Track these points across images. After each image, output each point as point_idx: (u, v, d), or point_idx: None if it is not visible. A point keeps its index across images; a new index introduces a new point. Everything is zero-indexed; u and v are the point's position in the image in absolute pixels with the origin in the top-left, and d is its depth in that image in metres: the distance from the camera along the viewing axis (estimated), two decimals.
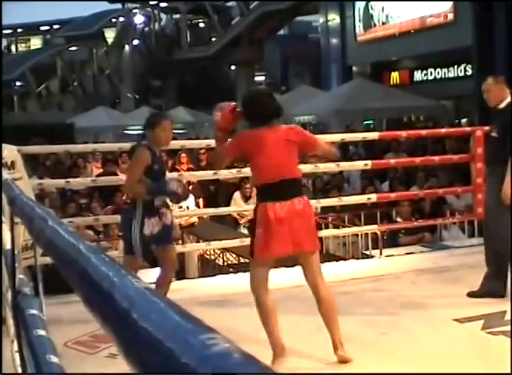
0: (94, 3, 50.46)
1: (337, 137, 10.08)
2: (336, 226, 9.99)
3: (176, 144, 9.47)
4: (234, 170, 8.88)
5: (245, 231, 12.07)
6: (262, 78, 45.69)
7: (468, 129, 10.34)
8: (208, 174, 8.93)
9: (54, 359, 2.25)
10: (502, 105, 6.77)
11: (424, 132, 11.08)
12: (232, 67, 43.70)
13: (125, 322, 1.05)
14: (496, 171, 6.73)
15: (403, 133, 10.10)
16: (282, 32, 44.07)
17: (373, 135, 9.91)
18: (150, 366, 0.96)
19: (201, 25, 49.06)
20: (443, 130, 10.97)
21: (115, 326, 1.13)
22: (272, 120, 5.31)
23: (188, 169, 12.32)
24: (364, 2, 34.06)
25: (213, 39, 43.41)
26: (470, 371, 4.92)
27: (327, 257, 9.39)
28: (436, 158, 10.05)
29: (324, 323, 5.25)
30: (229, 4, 43.57)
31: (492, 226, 6.81)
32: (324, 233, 9.57)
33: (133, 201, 5.87)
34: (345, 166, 9.75)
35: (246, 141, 5.27)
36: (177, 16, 47.92)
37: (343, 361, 5.15)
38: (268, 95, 5.48)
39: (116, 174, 11.81)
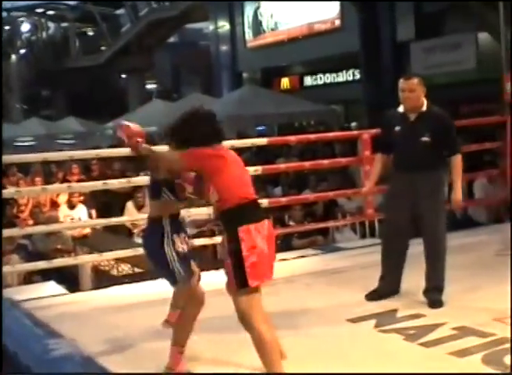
0: None
1: (227, 144, 10.10)
2: None
3: (65, 154, 9.35)
4: (124, 180, 8.84)
5: (139, 241, 12.00)
6: (154, 86, 45.41)
7: (356, 132, 10.51)
8: (99, 184, 8.81)
9: None
10: (424, 108, 6.59)
11: (312, 136, 11.20)
12: (123, 75, 43.27)
13: None
14: (429, 176, 6.53)
15: (292, 138, 10.18)
16: (172, 39, 43.88)
17: (262, 141, 9.97)
18: None
19: (90, 33, 48.44)
20: (331, 134, 11.11)
21: None
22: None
23: (79, 181, 12.18)
24: (253, 9, 34.30)
25: (102, 47, 42.91)
26: (365, 369, 5.03)
27: (222, 263, 9.42)
28: (326, 161, 10.17)
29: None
30: (118, 12, 43.13)
31: (434, 229, 6.70)
32: (218, 239, 9.58)
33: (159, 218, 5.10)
34: None
35: (209, 157, 4.82)
36: (65, 24, 47.17)
37: None
38: (213, 115, 5.16)
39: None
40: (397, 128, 6.60)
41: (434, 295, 6.56)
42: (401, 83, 6.56)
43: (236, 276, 4.76)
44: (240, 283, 4.77)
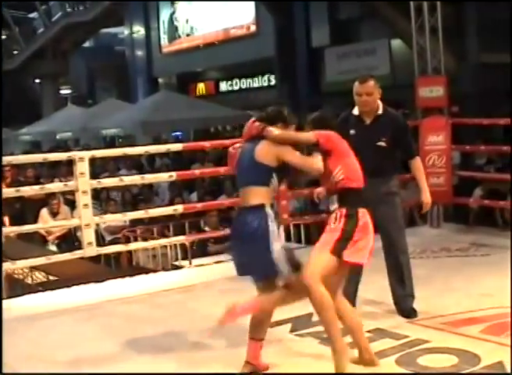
0: None
1: (141, 150, 10.05)
2: (144, 239, 9.95)
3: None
4: (37, 187, 8.71)
5: (53, 248, 11.84)
6: (68, 91, 44.82)
7: None
8: (11, 192, 8.62)
9: None
10: (381, 111, 6.39)
11: (227, 142, 11.16)
12: (37, 80, 42.59)
13: None
14: (385, 181, 6.38)
15: (207, 144, 10.15)
16: (87, 44, 43.40)
17: (177, 146, 9.91)
18: None
19: (2, 37, 47.58)
20: None
21: None
22: None
23: None
24: (168, 14, 34.22)
25: (15, 52, 42.16)
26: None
27: (137, 270, 9.37)
28: None
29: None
30: (32, 15, 42.46)
31: (396, 237, 6.55)
32: (133, 246, 9.53)
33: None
34: (150, 178, 9.72)
35: (341, 140, 5.26)
36: None
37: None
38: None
39: None
40: (352, 132, 6.29)
41: (409, 304, 6.47)
42: (357, 87, 6.35)
43: (337, 246, 4.98)
44: (336, 252, 4.97)
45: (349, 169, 5.17)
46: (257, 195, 5.01)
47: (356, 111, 6.44)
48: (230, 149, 5.40)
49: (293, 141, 5.10)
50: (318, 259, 4.99)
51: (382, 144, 6.29)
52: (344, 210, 5.09)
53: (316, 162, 5.05)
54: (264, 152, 5.02)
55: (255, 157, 5.04)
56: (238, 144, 5.35)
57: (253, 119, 5.32)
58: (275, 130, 5.10)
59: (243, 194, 5.10)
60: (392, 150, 6.36)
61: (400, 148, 6.43)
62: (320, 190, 6.15)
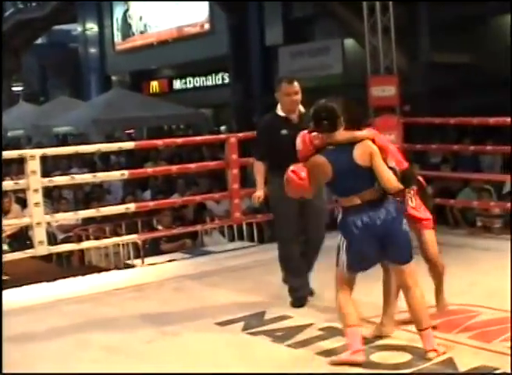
0: None
1: (94, 148, 10.00)
2: (96, 238, 9.88)
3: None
4: None
5: (5, 247, 11.69)
6: (20, 88, 44.34)
7: (223, 136, 10.53)
8: None
9: None
10: (302, 109, 6.59)
11: (179, 140, 11.19)
12: None
13: None
14: None
15: (159, 142, 10.12)
16: (40, 41, 42.96)
17: (129, 145, 9.85)
18: None
19: None
20: (199, 138, 11.11)
21: None
22: None
23: None
24: (122, 12, 34.05)
25: None
26: (233, 371, 5.05)
27: (89, 269, 9.30)
28: (193, 165, 10.16)
29: None
30: None
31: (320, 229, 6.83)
32: (85, 244, 9.46)
33: None
34: (102, 176, 9.67)
35: (378, 134, 5.44)
36: None
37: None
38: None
39: None
40: (284, 132, 6.45)
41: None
42: (287, 87, 6.51)
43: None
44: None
45: (393, 155, 5.43)
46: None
47: (280, 112, 6.60)
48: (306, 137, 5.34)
49: (355, 139, 5.21)
50: (431, 239, 5.79)
51: None
52: (413, 189, 5.62)
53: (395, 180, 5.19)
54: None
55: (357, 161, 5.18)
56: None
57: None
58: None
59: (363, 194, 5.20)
60: None
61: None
62: (259, 194, 6.29)
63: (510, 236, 9.04)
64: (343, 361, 5.09)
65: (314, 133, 5.26)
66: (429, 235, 5.79)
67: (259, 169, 6.75)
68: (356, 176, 5.16)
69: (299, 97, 6.53)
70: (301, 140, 5.33)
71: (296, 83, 6.52)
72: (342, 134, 5.18)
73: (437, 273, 5.85)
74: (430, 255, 5.80)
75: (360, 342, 5.16)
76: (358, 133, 5.20)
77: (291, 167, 5.32)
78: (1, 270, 7.66)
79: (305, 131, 5.36)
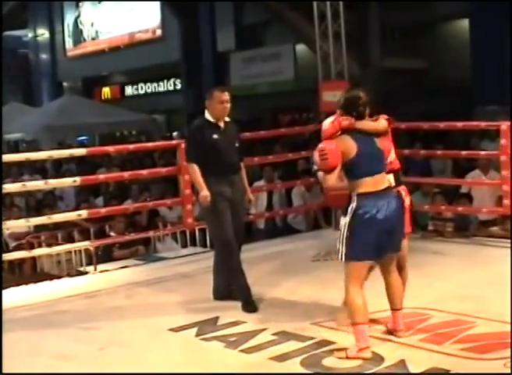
0: None
1: (45, 155, 9.90)
2: (49, 245, 9.80)
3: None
4: None
5: None
6: None
7: (175, 142, 10.49)
8: None
9: None
10: (227, 118, 7.07)
11: (131, 146, 11.13)
12: None
13: None
14: (240, 178, 7.10)
15: (111, 149, 10.06)
16: None
17: (81, 151, 9.79)
18: None
19: None
20: (150, 144, 11.06)
21: None
22: None
23: None
24: (73, 18, 33.87)
25: None
26: None
27: (42, 276, 9.23)
28: (145, 171, 10.14)
29: None
30: None
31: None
32: (37, 252, 9.39)
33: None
34: (53, 183, 9.59)
35: None
36: None
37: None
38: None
39: None
40: (216, 136, 6.90)
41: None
42: (221, 95, 6.99)
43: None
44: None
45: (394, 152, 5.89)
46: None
47: (210, 118, 7.02)
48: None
49: (376, 130, 5.55)
50: (405, 244, 5.85)
51: (237, 145, 7.09)
52: (405, 188, 5.89)
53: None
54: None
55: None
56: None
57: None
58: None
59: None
60: (242, 149, 7.22)
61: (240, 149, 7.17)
62: (206, 193, 6.43)
63: (461, 240, 9.20)
64: (350, 357, 5.20)
65: (344, 117, 5.48)
66: (406, 241, 5.86)
67: (196, 170, 6.91)
68: (377, 159, 5.44)
69: (229, 105, 7.02)
70: (331, 121, 5.53)
71: (227, 93, 7.05)
72: (367, 124, 5.49)
73: (404, 276, 5.90)
74: (403, 259, 5.90)
75: (367, 340, 5.27)
76: (381, 127, 5.55)
77: (321, 144, 5.49)
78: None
79: (336, 113, 5.62)
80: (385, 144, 5.61)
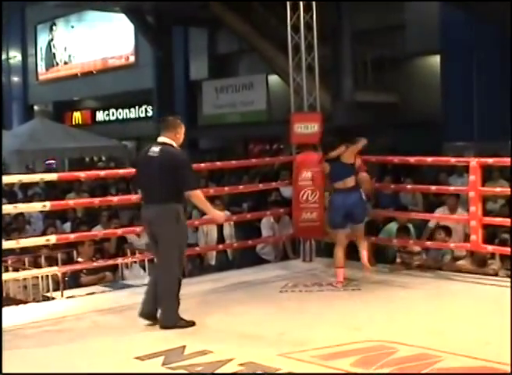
0: None
1: (15, 179, 9.86)
2: (15, 269, 9.71)
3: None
4: None
5: None
6: None
7: None
8: None
9: None
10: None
11: (102, 173, 11.08)
12: None
13: None
14: (172, 207, 6.97)
15: (82, 174, 10.02)
16: None
17: (52, 176, 9.74)
18: None
19: None
20: (121, 171, 11.01)
21: None
22: None
23: None
24: (46, 41, 33.81)
25: None
26: None
27: (7, 301, 9.13)
28: (115, 198, 10.12)
29: None
30: None
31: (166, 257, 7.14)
32: (3, 276, 9.29)
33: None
34: (23, 207, 9.52)
35: None
36: None
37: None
38: None
39: None
40: None
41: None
42: (183, 126, 7.21)
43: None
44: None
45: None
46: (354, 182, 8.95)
47: (178, 147, 7.11)
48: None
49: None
50: None
51: None
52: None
53: None
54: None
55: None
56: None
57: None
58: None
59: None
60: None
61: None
62: (222, 214, 6.93)
63: (427, 273, 9.24)
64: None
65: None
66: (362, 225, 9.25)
67: (202, 195, 7.17)
68: (342, 170, 8.88)
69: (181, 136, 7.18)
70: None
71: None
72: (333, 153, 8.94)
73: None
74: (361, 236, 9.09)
75: (342, 277, 8.67)
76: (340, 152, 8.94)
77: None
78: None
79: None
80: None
